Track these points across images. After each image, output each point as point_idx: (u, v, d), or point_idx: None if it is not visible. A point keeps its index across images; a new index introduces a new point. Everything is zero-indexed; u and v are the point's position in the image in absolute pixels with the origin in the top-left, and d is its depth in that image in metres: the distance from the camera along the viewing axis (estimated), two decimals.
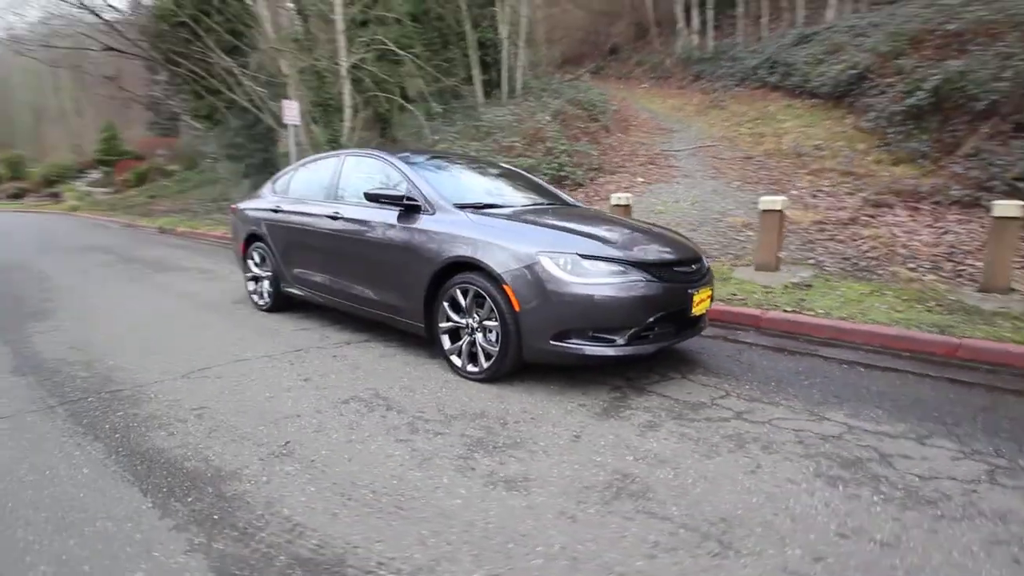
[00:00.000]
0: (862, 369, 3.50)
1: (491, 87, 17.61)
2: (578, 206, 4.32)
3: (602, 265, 2.93)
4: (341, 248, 4.05)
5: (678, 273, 3.16)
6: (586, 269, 2.91)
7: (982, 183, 7.16)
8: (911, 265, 5.40)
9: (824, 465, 2.30)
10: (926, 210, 6.98)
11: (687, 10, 22.12)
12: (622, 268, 2.95)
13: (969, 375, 3.38)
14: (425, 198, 3.56)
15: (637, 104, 17.16)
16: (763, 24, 20.35)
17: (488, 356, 3.17)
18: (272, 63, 12.16)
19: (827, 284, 5.04)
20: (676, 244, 3.44)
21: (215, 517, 1.94)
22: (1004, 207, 4.33)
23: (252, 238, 5.05)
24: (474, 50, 16.16)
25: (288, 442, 2.50)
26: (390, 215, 3.73)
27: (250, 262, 5.08)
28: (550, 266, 2.91)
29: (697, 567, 1.70)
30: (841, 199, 7.89)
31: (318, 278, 4.32)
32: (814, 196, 8.32)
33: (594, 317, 2.89)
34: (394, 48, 12.16)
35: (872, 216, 7.00)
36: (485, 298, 3.13)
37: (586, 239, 3.07)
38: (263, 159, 14.24)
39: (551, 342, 2.94)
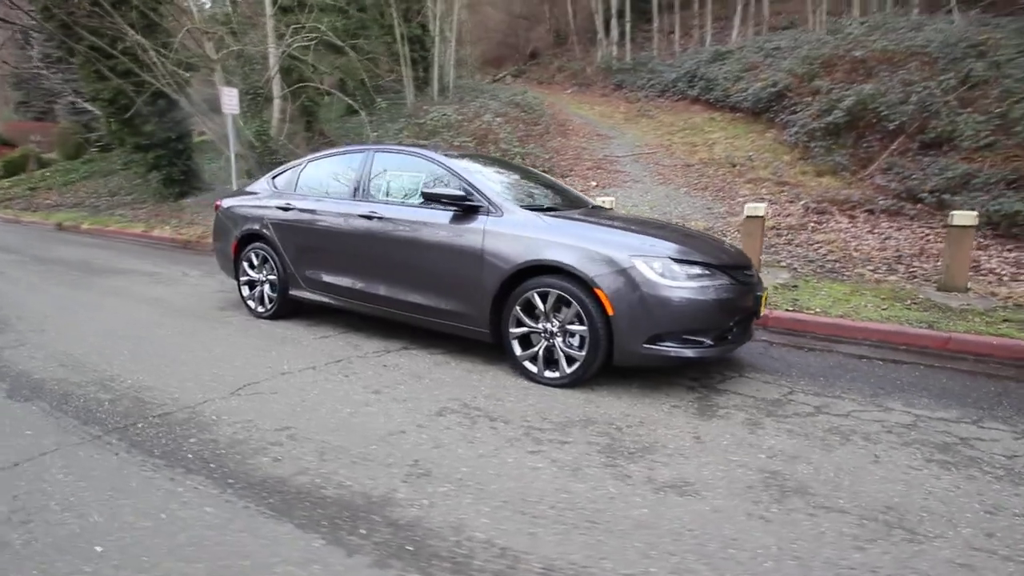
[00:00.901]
0: (880, 363, 3.88)
1: (421, 85, 17.29)
2: (611, 210, 4.39)
3: (692, 269, 3.01)
4: (378, 250, 3.82)
5: (747, 276, 3.32)
6: (677, 272, 2.98)
7: (900, 194, 8.17)
8: (870, 267, 6.04)
9: (926, 451, 2.54)
10: (861, 218, 7.83)
11: (606, 21, 23.00)
12: (708, 272, 3.05)
13: (966, 365, 3.86)
14: (488, 199, 3.46)
15: (567, 109, 17.57)
16: (675, 40, 21.69)
17: (571, 361, 3.14)
18: (196, 45, 11.09)
19: (809, 285, 5.50)
20: (733, 249, 3.61)
21: (409, 548, 1.77)
22: (962, 217, 4.98)
23: (248, 239, 4.61)
24: (403, 45, 15.74)
25: (416, 460, 2.33)
26: (440, 216, 3.58)
27: (244, 265, 4.64)
28: (645, 270, 2.95)
29: (905, 553, 1.82)
30: (784, 206, 8.63)
31: (343, 282, 4.04)
32: (757, 203, 9.01)
33: (687, 320, 2.96)
34: (332, 37, 11.54)
35: (818, 223, 7.73)
36: (570, 302, 3.09)
37: (670, 243, 3.14)
38: (176, 149, 12.96)
39: (644, 345, 2.98)
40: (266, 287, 4.55)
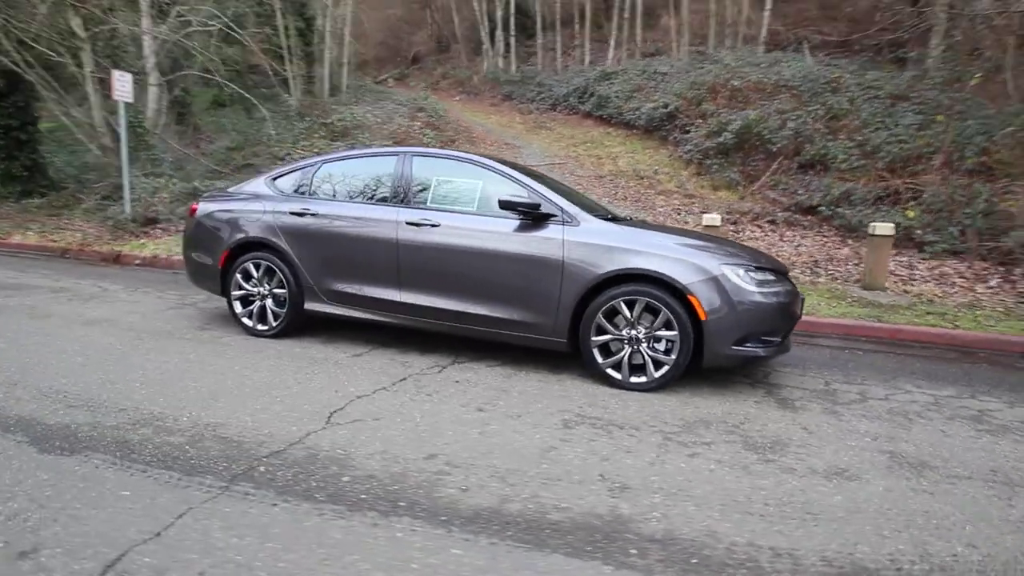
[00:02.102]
0: (860, 353, 4.54)
1: (307, 83, 16.29)
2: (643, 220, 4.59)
3: (764, 275, 3.31)
4: (432, 260, 3.62)
5: (793, 282, 3.72)
6: (755, 279, 3.25)
7: (791, 207, 9.48)
8: (795, 271, 6.97)
9: (968, 423, 3.07)
10: (767, 228, 8.96)
11: (491, 32, 23.49)
12: (775, 278, 3.37)
13: (921, 351, 4.66)
14: (561, 208, 3.47)
15: (464, 117, 17.68)
16: (557, 57, 22.81)
17: (658, 365, 3.27)
18: (60, 20, 9.38)
19: None
20: (775, 258, 4.00)
21: (694, 562, 1.78)
22: (882, 227, 5.97)
23: (245, 248, 4.08)
24: (287, 38, 14.71)
25: (601, 475, 2.30)
26: (502, 224, 3.52)
27: (238, 277, 4.09)
28: (733, 276, 3.19)
29: None
30: (699, 217, 9.56)
31: (380, 294, 3.77)
32: (677, 213, 9.90)
33: (766, 322, 3.25)
34: (228, 24, 10.47)
35: (736, 232, 8.70)
36: (657, 308, 3.23)
37: (740, 251, 3.42)
38: (18, 140, 10.83)
39: (732, 347, 3.21)
40: (268, 302, 4.06)
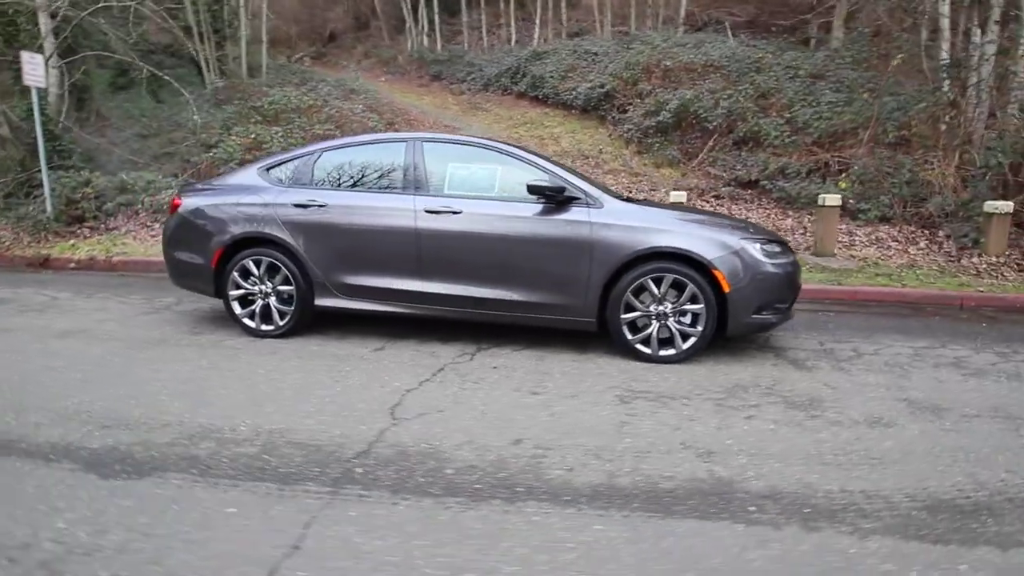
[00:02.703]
0: (832, 314, 4.98)
1: (221, 62, 15.18)
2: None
3: (775, 248, 3.56)
4: (456, 247, 3.59)
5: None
6: (768, 252, 3.50)
7: (731, 182, 10.07)
8: None
9: (951, 370, 3.49)
10: (712, 202, 9.48)
11: (414, 9, 22.83)
12: (782, 250, 3.64)
13: (880, 309, 5.18)
14: (584, 190, 3.54)
15: (397, 98, 17.20)
16: (483, 36, 22.57)
17: (685, 337, 3.46)
18: None
19: None
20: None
21: (842, 514, 1.96)
22: (831, 199, 6.52)
23: (242, 244, 3.85)
24: (196, 13, 13.58)
25: (683, 443, 2.44)
26: (524, 208, 3.56)
27: (236, 276, 3.86)
28: (752, 251, 3.41)
29: None
30: (650, 195, 9.96)
31: (400, 285, 3.69)
32: (628, 191, 10.24)
33: (778, 291, 3.52)
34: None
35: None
36: (684, 283, 3.40)
37: (752, 227, 3.65)
38: None
39: (753, 316, 3.45)
40: (272, 300, 3.86)
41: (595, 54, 16.54)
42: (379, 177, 3.83)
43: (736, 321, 3.43)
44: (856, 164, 8.11)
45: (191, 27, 13.52)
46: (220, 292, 3.96)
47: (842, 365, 3.52)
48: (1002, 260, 5.91)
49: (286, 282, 3.83)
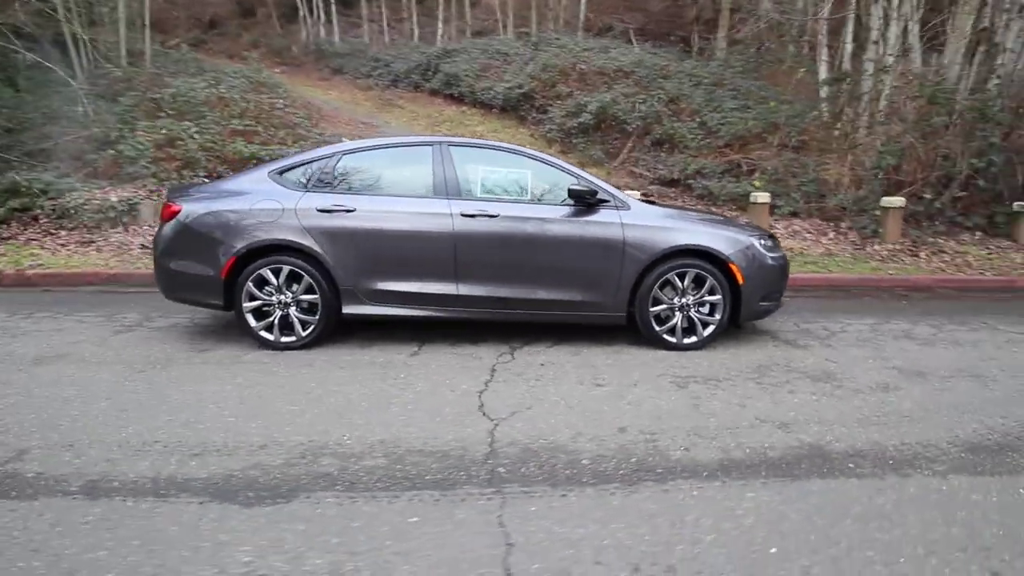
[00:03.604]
0: (788, 300, 5.67)
1: (94, 50, 13.55)
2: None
3: (770, 242, 4.05)
4: (493, 250, 3.68)
5: None
6: (767, 247, 3.98)
7: (655, 181, 10.87)
8: None
9: (922, 342, 4.19)
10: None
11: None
12: (775, 244, 4.14)
13: (820, 293, 5.97)
14: (612, 193, 3.79)
15: (302, 92, 16.38)
16: (385, 30, 22.07)
17: (704, 326, 3.84)
18: None
19: None
20: None
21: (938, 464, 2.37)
22: (760, 197, 7.34)
23: (259, 253, 3.64)
24: None
25: (759, 419, 2.78)
26: (555, 211, 3.75)
27: (251, 287, 3.65)
28: (758, 246, 3.86)
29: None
30: None
31: (435, 289, 3.71)
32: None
33: (777, 281, 4.01)
34: None
35: None
36: (704, 277, 3.78)
37: (748, 225, 4.11)
38: None
39: (760, 303, 3.91)
40: (292, 310, 3.70)
41: (505, 54, 16.87)
42: (407, 181, 3.80)
43: (747, 309, 3.87)
44: (768, 165, 9.13)
45: (56, 6, 11.89)
46: (231, 305, 3.71)
47: (828, 342, 4.09)
48: (898, 247, 7.04)
49: (309, 291, 3.67)
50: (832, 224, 8.08)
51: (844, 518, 1.97)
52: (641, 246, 3.70)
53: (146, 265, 6.24)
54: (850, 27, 10.27)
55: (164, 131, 8.96)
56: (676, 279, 3.77)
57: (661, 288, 3.78)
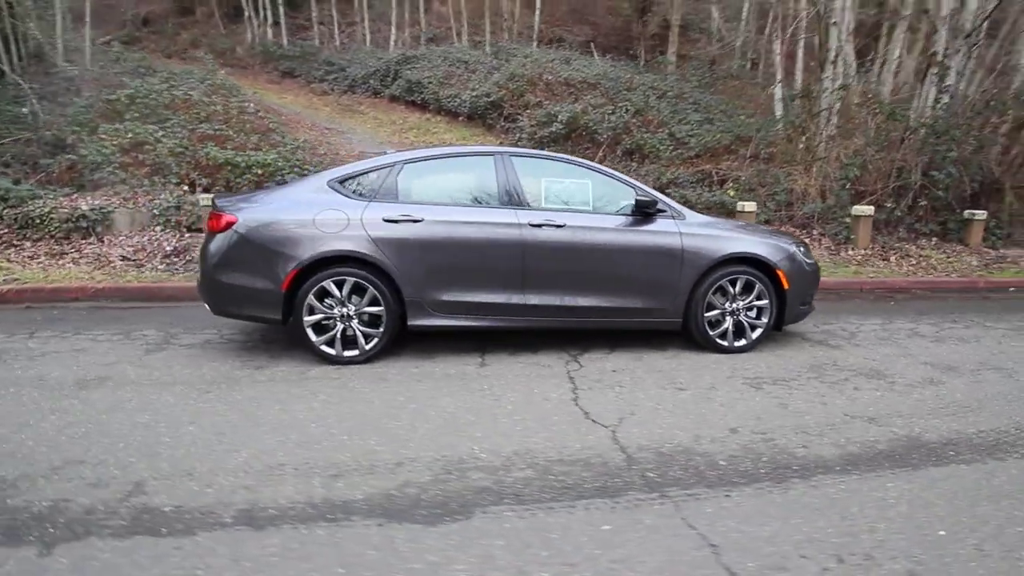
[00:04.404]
0: None
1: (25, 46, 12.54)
2: None
3: (805, 251, 4.32)
4: (560, 260, 3.73)
5: None
6: (804, 253, 4.24)
7: None
8: None
9: (922, 339, 4.59)
10: None
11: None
12: (807, 251, 4.42)
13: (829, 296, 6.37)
14: (668, 204, 3.94)
15: (259, 97, 15.76)
16: (336, 34, 21.59)
17: (753, 329, 4.05)
18: None
19: None
20: None
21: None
22: (747, 206, 7.75)
23: (321, 265, 3.52)
24: None
25: (846, 415, 2.98)
26: (617, 221, 3.86)
27: (312, 300, 3.52)
28: (797, 254, 4.12)
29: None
30: None
31: (502, 299, 3.72)
32: None
33: (812, 286, 4.28)
34: None
35: None
36: (753, 283, 3.99)
37: (785, 233, 4.37)
38: None
39: (800, 307, 4.17)
40: (355, 323, 3.60)
41: (466, 63, 16.95)
42: (471, 191, 3.78)
43: (790, 313, 4.11)
44: (742, 175, 9.65)
45: None
46: (290, 319, 3.56)
47: (853, 342, 4.41)
48: (870, 252, 7.63)
49: (373, 303, 3.58)
50: (804, 231, 8.63)
51: (980, 500, 2.16)
52: (698, 254, 3.86)
53: (136, 278, 5.84)
54: (798, 48, 11.08)
55: (131, 135, 8.39)
56: (728, 285, 3.95)
57: (714, 294, 3.95)
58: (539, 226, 3.70)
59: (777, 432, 2.73)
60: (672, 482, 2.26)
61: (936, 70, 8.20)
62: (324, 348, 3.58)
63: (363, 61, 18.43)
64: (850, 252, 7.71)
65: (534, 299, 3.75)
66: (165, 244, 6.76)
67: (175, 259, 6.51)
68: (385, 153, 4.18)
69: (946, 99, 8.07)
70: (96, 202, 7.04)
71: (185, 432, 2.63)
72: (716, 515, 2.03)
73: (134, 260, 6.42)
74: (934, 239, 8.17)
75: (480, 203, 3.77)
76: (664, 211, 3.90)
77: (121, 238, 6.88)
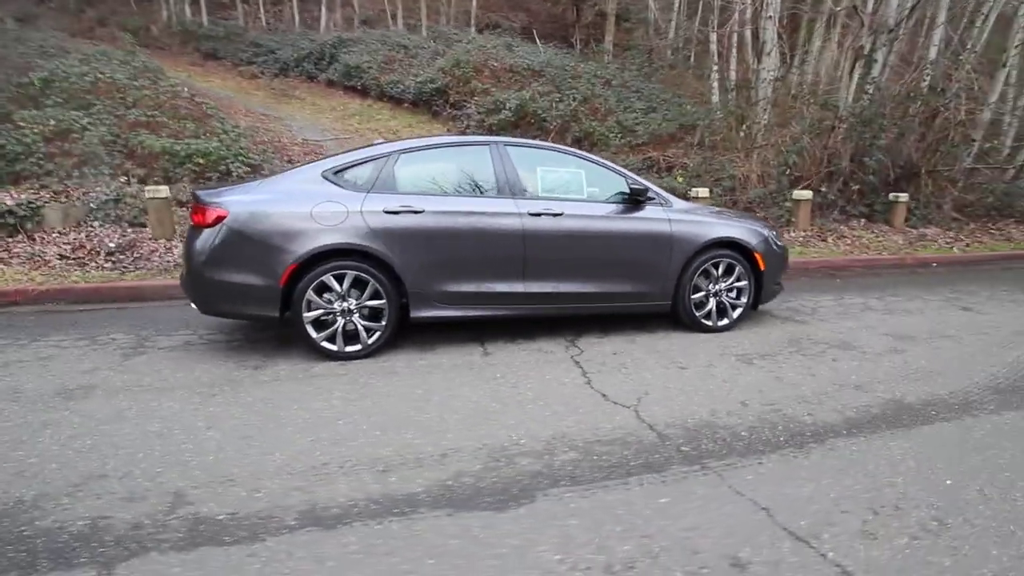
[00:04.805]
0: None
1: None
2: None
3: (775, 233, 4.62)
4: (558, 248, 3.80)
5: None
6: (775, 237, 4.54)
7: None
8: None
9: (876, 313, 5.03)
10: None
11: None
12: (777, 234, 4.73)
13: None
14: (656, 192, 4.10)
15: (185, 80, 14.76)
16: (261, 14, 20.51)
17: (734, 308, 4.31)
18: None
19: None
20: None
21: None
22: (701, 192, 8.12)
23: (321, 258, 3.42)
24: None
25: (853, 384, 3.26)
26: (609, 208, 3.99)
27: (312, 295, 3.43)
28: (770, 238, 4.40)
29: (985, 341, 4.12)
30: None
31: (503, 288, 3.76)
32: None
33: (781, 267, 4.58)
34: None
35: None
36: (734, 266, 4.24)
37: (756, 218, 4.65)
38: None
39: (773, 287, 4.47)
40: (356, 317, 3.54)
41: (406, 47, 16.62)
42: (469, 180, 3.77)
43: (765, 293, 4.40)
44: (689, 162, 10.07)
45: None
46: (288, 315, 3.44)
47: (817, 317, 4.77)
48: (810, 233, 8.21)
49: (375, 296, 3.53)
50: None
51: (968, 452, 2.46)
52: (685, 239, 4.05)
53: (84, 278, 5.41)
54: (732, 41, 11.65)
55: (52, 122, 7.67)
56: (712, 268, 4.17)
57: (699, 277, 4.16)
58: (538, 215, 3.75)
59: (782, 403, 2.96)
60: (707, 454, 2.41)
61: (863, 63, 8.86)
62: (325, 344, 3.49)
63: (295, 43, 17.67)
64: (792, 234, 8.26)
65: (534, 287, 3.81)
66: (107, 240, 6.28)
67: (121, 256, 6.06)
68: (373, 144, 4.09)
69: (871, 90, 8.75)
70: (22, 196, 6.41)
71: (207, 438, 2.51)
72: (757, 481, 2.20)
73: (75, 259, 5.92)
74: (863, 220, 8.88)
75: (478, 193, 3.77)
76: (653, 198, 4.06)
77: (55, 235, 6.32)
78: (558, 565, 1.72)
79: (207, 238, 3.35)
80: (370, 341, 3.56)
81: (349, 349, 3.53)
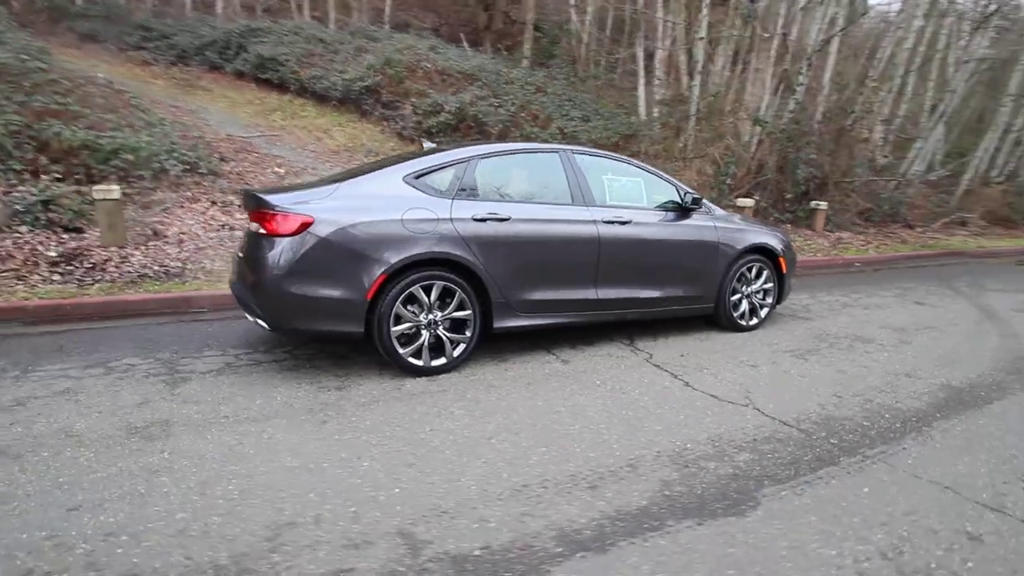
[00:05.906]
0: None
1: None
2: None
3: (788, 239, 5.06)
4: (629, 255, 3.88)
5: None
6: (789, 243, 4.97)
7: None
8: None
9: (844, 311, 5.67)
10: None
11: None
12: (789, 239, 5.16)
13: None
14: (703, 201, 4.33)
15: (66, 66, 12.91)
16: None
17: (762, 308, 4.66)
18: None
19: None
20: None
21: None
22: None
23: (410, 267, 3.23)
24: None
25: (905, 373, 3.66)
26: (665, 216, 4.16)
27: (400, 307, 3.23)
28: (788, 243, 4.82)
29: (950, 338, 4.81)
30: None
31: (579, 295, 3.78)
32: None
33: (794, 270, 5.03)
34: None
35: None
36: (762, 270, 4.59)
37: (768, 225, 5.06)
38: None
39: (789, 286, 4.90)
40: (440, 330, 3.38)
41: (324, 42, 15.82)
42: (544, 187, 3.73)
43: (784, 293, 4.80)
44: None
45: None
46: (374, 331, 3.20)
47: (816, 314, 5.28)
48: None
49: (461, 307, 3.39)
50: None
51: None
52: (729, 245, 4.32)
53: (36, 294, 4.57)
54: (658, 55, 12.48)
55: None
56: (746, 272, 4.49)
57: (736, 280, 4.45)
58: (610, 223, 3.81)
59: (867, 394, 3.27)
60: (856, 445, 2.61)
61: (788, 84, 9.89)
62: (411, 360, 3.28)
63: (194, 29, 16.12)
64: None
65: (605, 294, 3.86)
66: (45, 249, 5.35)
67: (68, 267, 5.19)
68: (424, 145, 3.90)
69: (794, 107, 9.81)
70: None
71: (368, 469, 2.28)
72: (918, 463, 2.44)
73: (10, 270, 4.98)
74: (789, 226, 9.90)
75: (554, 200, 3.74)
76: (701, 207, 4.28)
77: None
78: (837, 558, 1.80)
79: (287, 248, 3.00)
80: (455, 354, 3.40)
81: (435, 363, 3.35)
